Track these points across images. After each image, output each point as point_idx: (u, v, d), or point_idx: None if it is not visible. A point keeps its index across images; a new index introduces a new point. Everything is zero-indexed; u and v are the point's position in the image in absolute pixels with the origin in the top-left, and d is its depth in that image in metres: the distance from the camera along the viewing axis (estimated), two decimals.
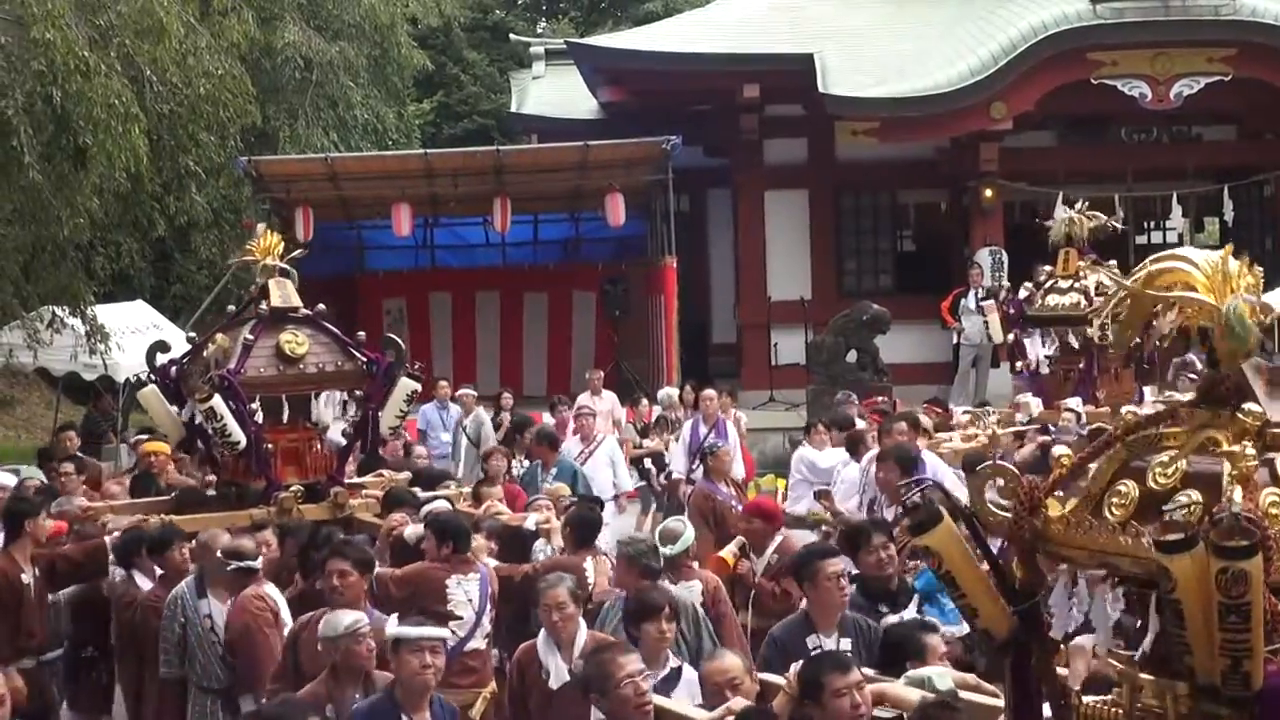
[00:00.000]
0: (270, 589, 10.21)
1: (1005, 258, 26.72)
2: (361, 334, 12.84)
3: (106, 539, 11.55)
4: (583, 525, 11.23)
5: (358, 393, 12.54)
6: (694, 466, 18.62)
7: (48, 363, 25.46)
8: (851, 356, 24.84)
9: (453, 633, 9.66)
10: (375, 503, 12.55)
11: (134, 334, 24.53)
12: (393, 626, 8.12)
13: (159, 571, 11.22)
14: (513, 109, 35.25)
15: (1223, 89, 26.88)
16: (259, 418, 12.03)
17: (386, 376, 12.35)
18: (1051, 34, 26.59)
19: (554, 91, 33.75)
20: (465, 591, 10.13)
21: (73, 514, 12.52)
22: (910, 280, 30.66)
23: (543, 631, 8.92)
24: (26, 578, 11.25)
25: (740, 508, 14.81)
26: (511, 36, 43.38)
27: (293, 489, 11.99)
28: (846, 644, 8.64)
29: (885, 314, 24.69)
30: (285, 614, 10.01)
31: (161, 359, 12.50)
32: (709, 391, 19.96)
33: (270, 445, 12.09)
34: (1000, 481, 4.54)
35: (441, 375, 24.47)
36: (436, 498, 12.16)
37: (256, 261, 12.57)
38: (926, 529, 4.55)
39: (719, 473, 15.62)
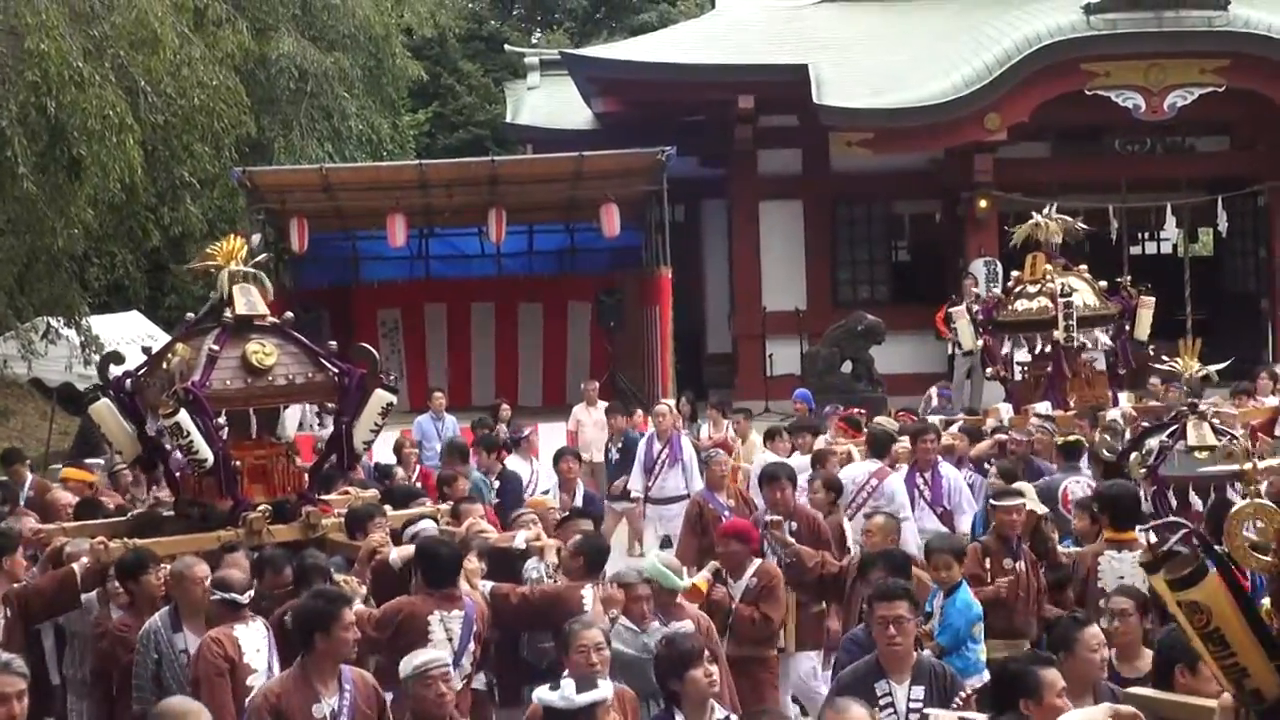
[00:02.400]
0: (245, 628, 9.31)
1: (1000, 268, 26.74)
2: (333, 343, 12.18)
3: (75, 566, 10.71)
4: (597, 553, 10.50)
5: (329, 405, 11.96)
6: (649, 484, 18.62)
7: (42, 373, 25.47)
8: (847, 367, 24.90)
9: None
10: None
11: (129, 345, 24.24)
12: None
13: (121, 599, 10.50)
14: (507, 119, 35.23)
15: (1216, 100, 26.95)
16: (225, 433, 11.43)
17: (359, 388, 11.74)
18: (1045, 45, 26.66)
19: (549, 102, 33.76)
20: (447, 629, 9.45)
21: (23, 537, 11.70)
22: (905, 291, 30.74)
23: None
24: None
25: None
26: (506, 47, 43.33)
27: (261, 509, 11.33)
28: (919, 691, 8.22)
29: (880, 324, 24.74)
30: (257, 657, 9.22)
31: (115, 371, 11.85)
32: (660, 407, 19.67)
33: (237, 462, 11.43)
34: (1259, 523, 4.13)
35: (437, 386, 24.45)
36: (420, 518, 11.59)
37: (219, 268, 11.90)
38: (1194, 582, 4.08)
39: (715, 482, 15.11)
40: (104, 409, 11.71)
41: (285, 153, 30.05)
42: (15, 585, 10.77)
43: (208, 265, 12.17)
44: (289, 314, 12.08)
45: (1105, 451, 14.50)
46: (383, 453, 18.13)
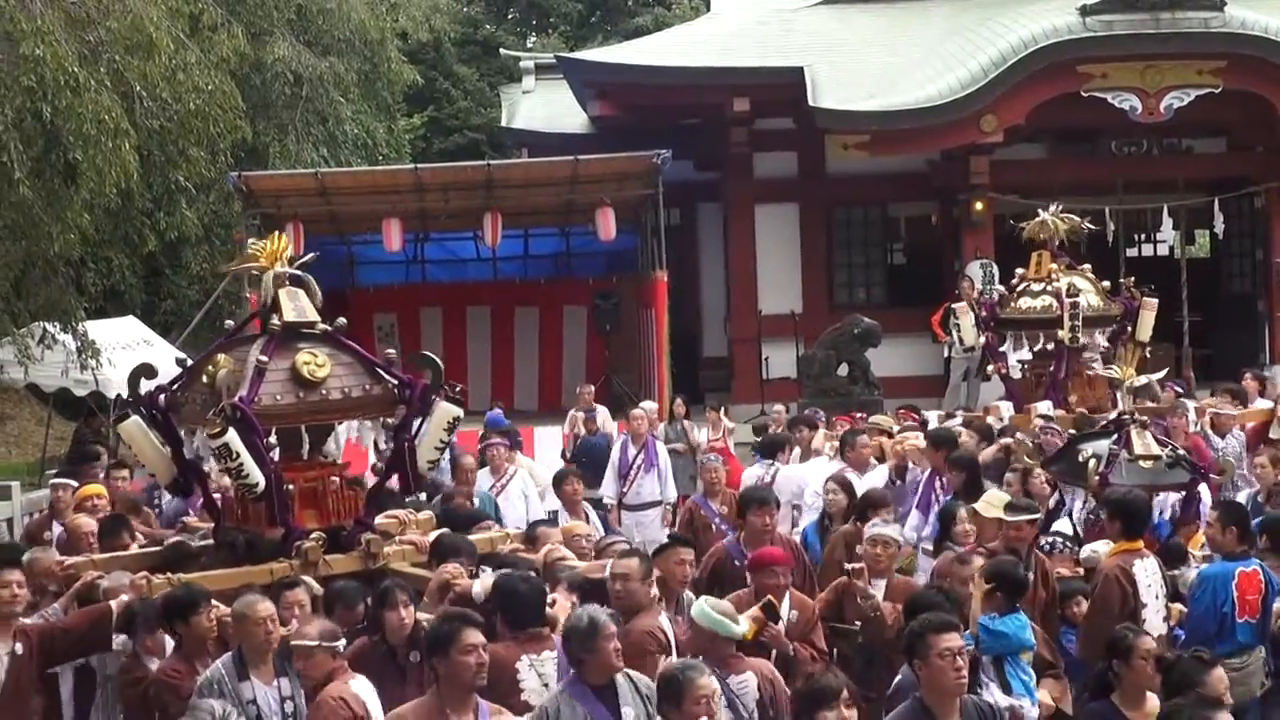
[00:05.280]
0: (360, 684, 8.45)
1: (996, 270, 26.71)
2: (391, 352, 11.15)
3: (113, 604, 9.72)
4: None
5: (389, 421, 10.83)
6: (624, 490, 18.26)
7: (39, 379, 25.40)
8: (843, 370, 24.86)
9: None
10: (413, 550, 10.83)
11: (125, 350, 24.47)
12: None
13: (159, 641, 9.58)
14: (503, 123, 35.28)
15: (1213, 101, 26.94)
16: (276, 454, 10.30)
17: (422, 402, 10.60)
18: (1041, 47, 26.64)
19: (544, 106, 33.80)
20: (539, 675, 8.63)
21: (47, 569, 10.65)
22: (901, 293, 30.70)
23: None
24: None
25: (727, 529, 14.55)
26: (501, 51, 43.43)
27: (315, 537, 10.23)
28: None
29: (876, 327, 24.71)
30: (376, 712, 8.32)
31: (146, 385, 10.64)
32: (636, 410, 19.38)
33: (290, 486, 10.30)
34: None
35: None
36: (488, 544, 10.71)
37: (263, 269, 10.66)
38: None
39: (709, 488, 15.10)
40: (134, 428, 10.59)
41: (280, 157, 30.02)
42: (28, 620, 9.83)
43: (249, 267, 11.05)
44: (341, 320, 10.98)
45: (1026, 458, 14.45)
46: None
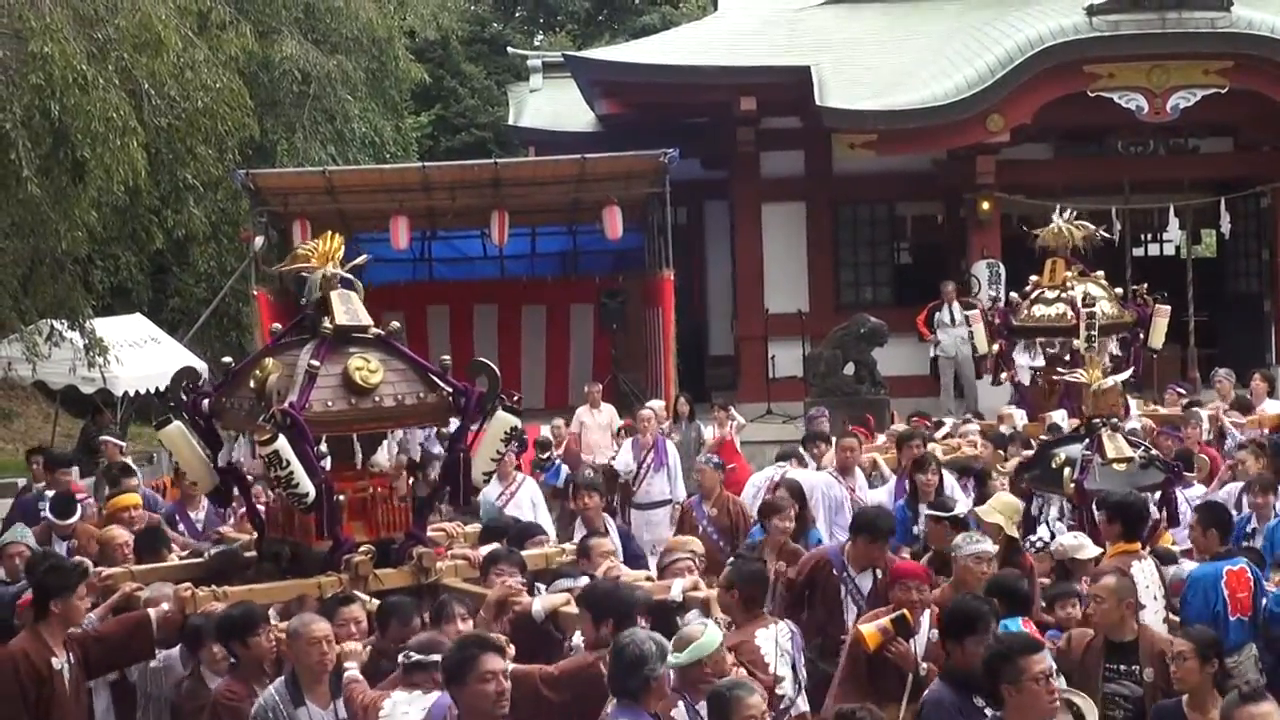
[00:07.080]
0: (405, 695, 7.84)
1: (1002, 270, 26.73)
2: (446, 358, 10.63)
3: (151, 612, 9.48)
4: (755, 582, 9.43)
5: (443, 430, 10.52)
6: (634, 489, 18.30)
7: (46, 376, 25.44)
8: (849, 369, 24.85)
9: None
10: (467, 565, 10.42)
11: (132, 347, 24.53)
12: None
13: (209, 660, 9.27)
14: (510, 122, 35.27)
15: (1219, 101, 26.90)
16: (327, 463, 9.93)
17: (478, 410, 10.32)
18: (1048, 47, 26.62)
19: (551, 104, 33.79)
20: None
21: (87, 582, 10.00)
22: (908, 292, 30.66)
23: None
24: (59, 663, 9.18)
25: (713, 532, 14.54)
26: (509, 50, 43.41)
27: (364, 550, 9.89)
28: None
29: (883, 326, 24.69)
30: None
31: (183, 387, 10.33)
32: (645, 409, 19.40)
33: (340, 496, 9.95)
34: None
35: None
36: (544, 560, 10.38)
37: (314, 269, 10.51)
38: None
39: (703, 489, 15.13)
40: (177, 434, 10.36)
41: (288, 155, 30.10)
42: (74, 630, 9.51)
43: (300, 268, 10.78)
44: (395, 324, 10.78)
45: (998, 469, 14.44)
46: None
